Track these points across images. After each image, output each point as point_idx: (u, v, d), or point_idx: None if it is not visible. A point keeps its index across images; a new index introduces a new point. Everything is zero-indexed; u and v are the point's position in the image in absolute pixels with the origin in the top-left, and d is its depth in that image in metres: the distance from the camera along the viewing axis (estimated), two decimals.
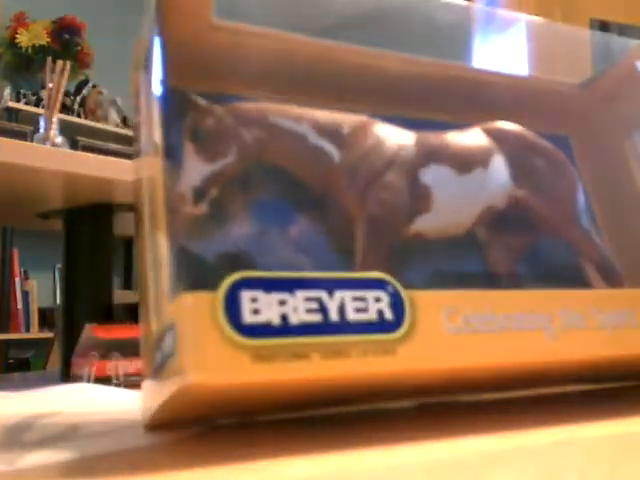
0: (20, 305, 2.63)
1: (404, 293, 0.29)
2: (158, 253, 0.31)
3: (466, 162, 0.40)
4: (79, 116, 2.82)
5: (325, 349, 0.27)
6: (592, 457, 0.28)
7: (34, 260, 2.68)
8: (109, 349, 0.53)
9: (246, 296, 0.27)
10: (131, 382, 0.53)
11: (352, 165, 0.37)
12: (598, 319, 0.34)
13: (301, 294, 0.28)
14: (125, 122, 2.99)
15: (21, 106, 2.63)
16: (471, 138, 0.41)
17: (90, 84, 2.92)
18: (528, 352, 0.32)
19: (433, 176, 0.38)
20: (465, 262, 0.39)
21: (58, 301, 2.63)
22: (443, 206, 0.38)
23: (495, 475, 0.26)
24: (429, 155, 0.39)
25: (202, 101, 0.36)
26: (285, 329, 0.27)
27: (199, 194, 0.32)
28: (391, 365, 0.28)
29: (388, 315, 0.29)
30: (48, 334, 2.55)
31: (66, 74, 1.15)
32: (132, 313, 0.95)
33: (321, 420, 0.34)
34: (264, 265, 0.33)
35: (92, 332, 0.54)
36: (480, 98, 0.43)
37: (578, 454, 0.28)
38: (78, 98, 2.86)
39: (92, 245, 0.87)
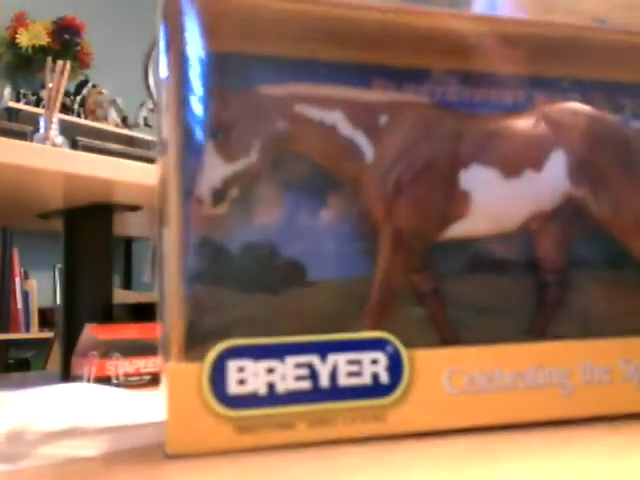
0: (20, 305, 2.63)
1: (405, 353, 0.28)
2: (165, 252, 0.31)
3: (516, 163, 0.35)
4: (79, 116, 2.82)
5: (311, 417, 0.27)
6: (592, 457, 0.28)
7: (34, 260, 2.68)
8: (109, 349, 0.53)
9: (233, 366, 0.26)
10: (131, 382, 0.52)
11: (383, 168, 0.33)
12: (625, 371, 0.31)
13: (291, 360, 0.27)
14: (125, 122, 2.99)
15: (21, 106, 2.62)
16: (527, 128, 0.35)
17: (90, 84, 2.91)
18: (538, 411, 0.30)
19: (475, 180, 0.34)
20: (507, 262, 0.35)
21: (58, 301, 2.63)
22: (482, 213, 0.34)
23: (496, 473, 0.26)
24: (474, 153, 0.34)
25: (222, 89, 0.32)
26: (271, 399, 0.27)
27: (218, 196, 0.30)
28: (379, 431, 0.28)
29: (383, 378, 0.28)
30: (48, 334, 2.55)
31: (66, 74, 1.15)
32: (132, 313, 0.95)
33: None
34: (289, 255, 0.31)
35: (92, 332, 0.54)
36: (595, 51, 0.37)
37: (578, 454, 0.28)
38: (78, 98, 2.86)
39: (92, 245, 0.87)
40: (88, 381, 0.52)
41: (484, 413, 0.29)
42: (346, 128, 0.33)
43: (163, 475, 0.28)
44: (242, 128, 0.32)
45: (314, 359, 0.27)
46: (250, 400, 0.27)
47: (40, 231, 1.78)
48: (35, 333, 2.65)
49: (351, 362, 0.28)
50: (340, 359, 0.28)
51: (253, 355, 0.27)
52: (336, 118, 0.33)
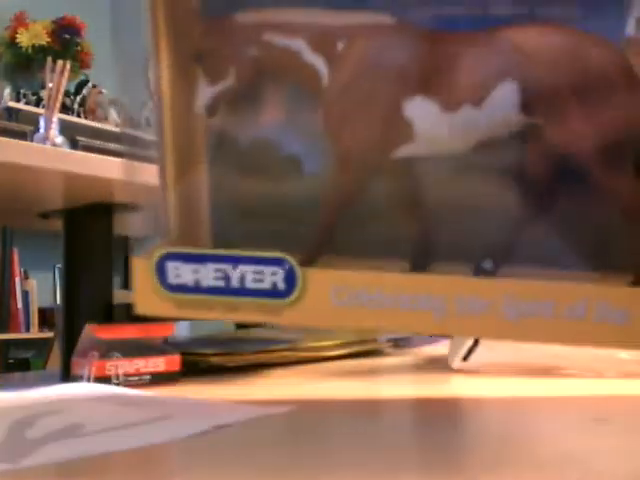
0: (20, 305, 2.63)
1: (299, 270, 0.36)
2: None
3: (454, 98, 0.35)
4: (79, 116, 2.81)
5: (226, 305, 0.37)
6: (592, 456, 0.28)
7: (34, 260, 2.68)
8: (109, 349, 0.53)
9: (170, 265, 0.38)
10: (131, 382, 0.52)
11: (334, 95, 0.37)
12: (503, 305, 0.34)
13: (211, 266, 0.37)
14: None
15: (21, 106, 2.62)
16: (481, 54, 0.35)
17: (90, 84, 2.91)
18: (412, 326, 0.36)
19: (417, 111, 0.36)
20: (492, 169, 0.36)
21: (58, 301, 2.63)
22: (427, 139, 0.36)
23: (497, 471, 0.26)
24: (419, 84, 0.36)
25: (205, 15, 0.37)
26: (197, 290, 0.37)
27: (210, 110, 0.38)
28: (276, 322, 0.37)
29: (280, 286, 0.36)
30: (48, 334, 2.55)
31: (66, 74, 1.15)
32: (132, 313, 0.95)
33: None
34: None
35: (92, 332, 0.54)
36: None
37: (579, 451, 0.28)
38: (78, 98, 2.86)
39: (92, 245, 0.87)
40: (88, 381, 0.52)
41: (363, 321, 0.36)
42: (308, 54, 0.37)
43: (164, 476, 0.29)
44: (220, 54, 0.37)
45: (227, 267, 0.37)
46: (183, 288, 0.37)
47: (40, 231, 1.78)
48: (35, 333, 2.65)
49: (256, 272, 0.36)
50: (247, 269, 0.37)
51: (184, 259, 0.37)
52: (299, 45, 0.37)
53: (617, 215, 0.35)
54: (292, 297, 0.36)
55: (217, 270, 0.37)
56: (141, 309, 0.39)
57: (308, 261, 0.37)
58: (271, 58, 0.37)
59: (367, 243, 0.37)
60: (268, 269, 0.36)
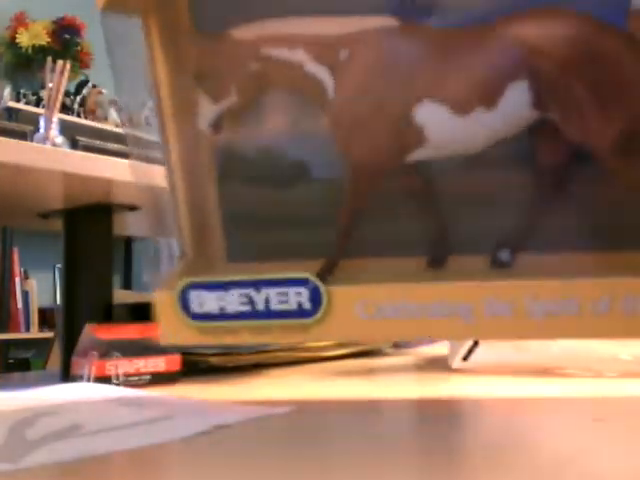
0: (20, 305, 2.63)
1: (323, 289, 0.36)
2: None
3: (466, 101, 0.35)
4: (79, 116, 2.81)
5: (252, 328, 0.37)
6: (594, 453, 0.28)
7: (34, 260, 2.67)
8: (109, 349, 0.53)
9: (194, 294, 0.38)
10: (131, 382, 0.52)
11: (341, 104, 0.36)
12: (529, 306, 0.33)
13: (235, 291, 0.37)
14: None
15: (21, 106, 2.62)
16: (489, 52, 0.34)
17: (90, 84, 2.91)
18: (442, 333, 0.36)
19: (427, 115, 0.35)
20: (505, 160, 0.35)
21: (58, 301, 2.63)
22: (439, 143, 0.35)
23: (499, 470, 0.26)
24: (427, 87, 0.35)
25: (200, 36, 0.37)
26: (222, 316, 0.37)
27: (215, 128, 0.38)
28: (305, 340, 0.38)
29: (306, 305, 0.36)
30: (48, 334, 2.54)
31: (66, 74, 1.15)
32: (132, 313, 0.95)
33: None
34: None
35: (92, 332, 0.54)
36: None
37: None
38: (78, 98, 2.85)
39: (92, 245, 0.87)
40: (88, 381, 0.52)
41: (392, 332, 0.36)
42: (311, 65, 0.36)
43: (164, 475, 0.29)
44: (221, 73, 0.37)
45: (251, 291, 0.37)
46: (208, 316, 0.38)
47: (40, 231, 1.78)
48: (35, 333, 2.65)
49: (280, 294, 0.36)
50: (271, 292, 0.36)
51: (207, 288, 0.37)
52: (301, 56, 0.36)
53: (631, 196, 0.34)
54: (318, 315, 0.36)
55: (241, 295, 0.37)
56: (164, 339, 0.39)
57: (330, 266, 0.37)
58: (273, 72, 0.37)
59: (384, 242, 0.37)
60: (292, 290, 0.36)
